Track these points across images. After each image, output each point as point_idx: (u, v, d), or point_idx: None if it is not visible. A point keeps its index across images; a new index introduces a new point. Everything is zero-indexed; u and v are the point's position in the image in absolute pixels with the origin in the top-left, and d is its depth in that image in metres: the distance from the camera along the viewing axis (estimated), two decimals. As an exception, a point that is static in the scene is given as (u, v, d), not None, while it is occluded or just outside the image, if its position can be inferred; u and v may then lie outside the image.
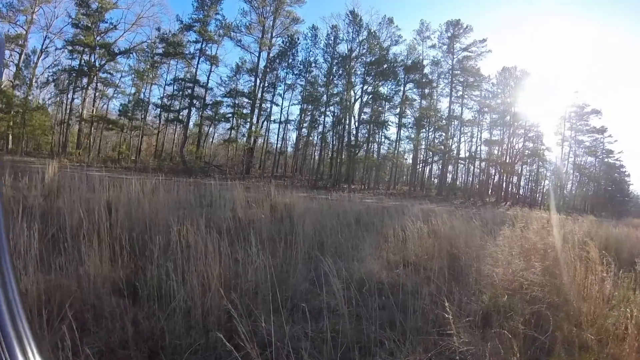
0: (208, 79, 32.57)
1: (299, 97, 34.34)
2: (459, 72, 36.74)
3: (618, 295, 3.86)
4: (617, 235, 10.13)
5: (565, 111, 40.49)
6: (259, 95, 33.09)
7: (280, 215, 7.58)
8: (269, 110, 34.86)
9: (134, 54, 32.11)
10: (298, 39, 34.58)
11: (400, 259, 5.36)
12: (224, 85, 33.31)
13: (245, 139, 32.81)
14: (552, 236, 5.93)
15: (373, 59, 34.53)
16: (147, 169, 23.91)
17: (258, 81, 33.29)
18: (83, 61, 30.49)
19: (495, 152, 39.38)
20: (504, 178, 39.63)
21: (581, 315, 3.60)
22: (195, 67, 32.30)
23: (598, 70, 61.79)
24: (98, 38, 30.51)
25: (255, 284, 3.68)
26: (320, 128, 34.75)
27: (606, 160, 44.30)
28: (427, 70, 36.53)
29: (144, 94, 32.39)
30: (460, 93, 37.40)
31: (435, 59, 36.72)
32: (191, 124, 33.85)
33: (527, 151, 39.52)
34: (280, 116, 35.02)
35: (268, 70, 33.47)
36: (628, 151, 51.23)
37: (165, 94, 32.57)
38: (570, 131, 41.27)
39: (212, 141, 35.42)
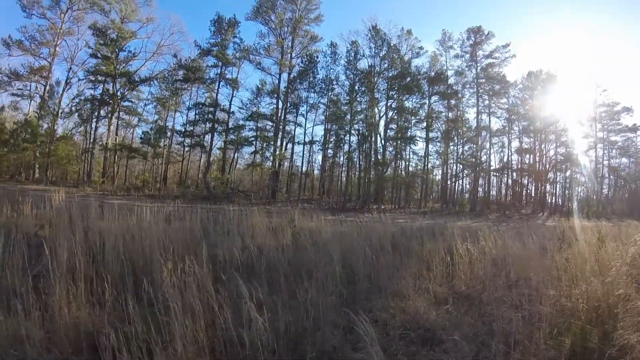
0: (230, 103, 32.28)
1: (322, 117, 33.71)
2: (483, 80, 35.51)
3: None
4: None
5: (595, 111, 38.75)
6: (282, 117, 32.49)
7: (303, 243, 6.48)
8: (292, 132, 34.39)
9: (155, 81, 32.05)
10: (317, 57, 34.03)
11: (448, 291, 4.54)
12: (245, 108, 33.14)
13: (269, 162, 32.15)
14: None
15: (395, 72, 33.64)
16: (170, 196, 23.53)
17: (280, 103, 32.80)
18: (104, 90, 30.52)
19: (528, 160, 37.83)
20: (539, 187, 37.93)
21: None
22: (216, 91, 32.05)
23: (626, 67, 59.38)
24: (119, 67, 30.48)
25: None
26: (346, 147, 33.74)
27: (641, 159, 42.14)
28: (451, 81, 35.47)
29: (166, 121, 32.27)
30: (487, 102, 36.09)
31: (459, 69, 35.68)
32: (216, 150, 33.62)
33: (560, 157, 37.81)
34: (304, 137, 34.35)
35: (289, 91, 32.91)
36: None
37: (188, 120, 32.39)
38: (602, 132, 39.41)
39: (236, 166, 34.92)
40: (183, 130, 32.29)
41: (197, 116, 32.28)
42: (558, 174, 39.08)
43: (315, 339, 3.14)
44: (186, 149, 32.80)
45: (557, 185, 39.91)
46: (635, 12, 60.36)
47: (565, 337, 3.17)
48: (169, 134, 32.44)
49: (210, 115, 31.77)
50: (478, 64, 35.51)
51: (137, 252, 4.62)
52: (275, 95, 32.71)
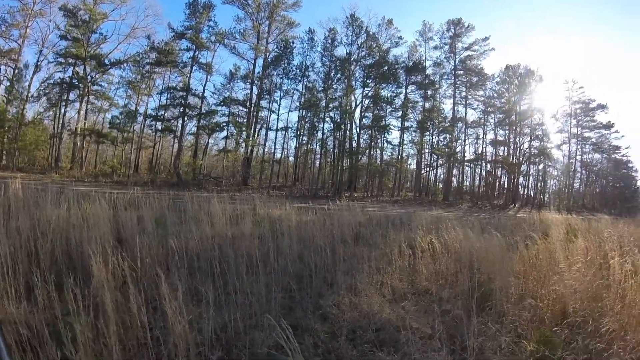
0: (204, 88, 31.60)
1: (297, 104, 33.25)
2: (461, 72, 35.59)
3: None
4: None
5: (571, 107, 39.35)
6: (255, 102, 32.09)
7: (263, 232, 6.09)
8: (266, 118, 33.82)
9: (128, 65, 31.28)
10: (293, 43, 33.54)
11: (408, 287, 4.32)
12: (218, 93, 32.34)
13: (242, 149, 31.77)
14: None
15: (373, 61, 33.44)
16: (140, 183, 23.08)
17: (254, 88, 32.32)
18: (74, 73, 29.72)
19: (502, 152, 38.18)
20: (512, 179, 38.45)
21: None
22: (189, 75, 31.35)
23: (604, 66, 60.12)
24: (90, 50, 29.68)
25: None
26: (320, 135, 33.45)
27: (613, 156, 43.11)
28: (429, 71, 35.38)
29: (137, 105, 31.56)
30: (464, 94, 36.19)
31: (438, 60, 35.63)
32: (189, 136, 32.97)
33: (533, 150, 38.27)
34: (277, 123, 33.93)
35: (264, 76, 32.42)
36: (635, 146, 49.98)
37: (160, 105, 31.72)
38: (576, 128, 40.06)
39: (209, 153, 33.99)
40: (152, 114, 31.37)
41: (168, 100, 31.40)
42: (531, 166, 39.71)
43: (249, 341, 2.90)
44: (157, 134, 32.02)
45: (530, 178, 40.61)
46: (615, 14, 60.93)
47: (528, 341, 2.98)
48: (140, 118, 31.54)
49: (181, 100, 30.96)
50: (457, 56, 35.56)
51: (74, 244, 4.36)
52: (250, 81, 32.13)
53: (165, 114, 31.49)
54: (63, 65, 29.78)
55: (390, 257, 5.03)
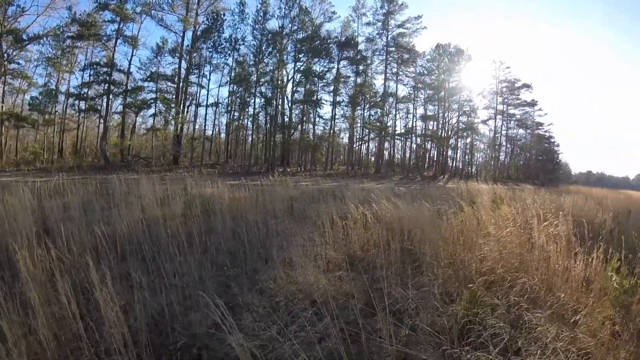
0: (130, 62, 30.02)
1: (228, 79, 32.36)
2: (393, 48, 36.34)
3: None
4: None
5: (497, 86, 41.83)
6: (184, 77, 31.42)
7: (195, 212, 5.96)
8: (196, 94, 32.67)
9: (48, 39, 29.36)
10: (224, 15, 32.56)
11: (343, 256, 4.27)
12: (144, 68, 30.70)
13: (171, 126, 30.50)
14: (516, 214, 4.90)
15: (305, 35, 33.41)
16: (65, 168, 21.79)
17: (183, 63, 31.51)
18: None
19: (431, 127, 39.93)
20: (441, 152, 40.67)
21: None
22: (113, 50, 30.05)
23: (531, 48, 63.38)
24: (6, 24, 27.60)
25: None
26: (251, 110, 33.00)
27: (536, 132, 46.67)
28: (361, 47, 35.69)
29: (58, 84, 29.67)
30: (395, 70, 37.02)
31: (371, 36, 36.16)
32: (116, 116, 31.21)
33: (461, 125, 40.53)
34: (208, 99, 32.92)
35: (193, 50, 31.56)
36: (558, 123, 54.51)
37: (83, 82, 30.06)
38: (502, 105, 42.81)
39: (136, 132, 32.25)
40: (75, 92, 29.05)
41: (91, 77, 29.12)
42: (459, 140, 42.29)
43: (187, 322, 2.85)
44: (81, 114, 29.84)
45: (458, 151, 43.44)
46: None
47: (457, 303, 3.06)
48: (62, 98, 29.14)
49: (106, 77, 28.79)
50: (389, 33, 36.11)
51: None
52: (178, 55, 30.80)
53: (89, 92, 29.39)
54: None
55: (323, 229, 5.02)
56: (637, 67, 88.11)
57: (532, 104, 43.84)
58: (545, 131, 47.76)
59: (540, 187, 25.63)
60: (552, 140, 50.44)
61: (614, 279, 2.91)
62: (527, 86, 42.51)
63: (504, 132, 44.57)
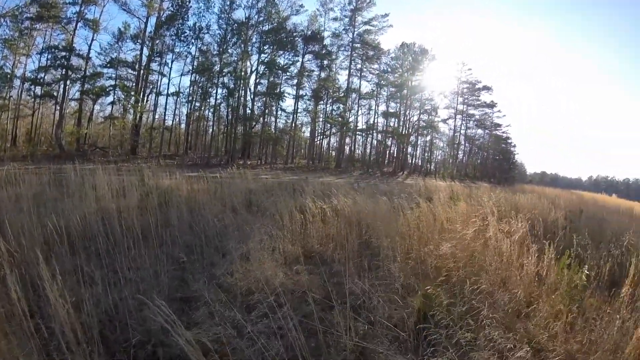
0: (90, 47, 28.88)
1: (190, 68, 31.63)
2: (359, 45, 36.57)
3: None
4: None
5: (459, 87, 43.25)
6: (145, 65, 30.96)
7: (151, 204, 5.78)
8: (157, 82, 31.66)
9: (5, 20, 28.08)
10: (189, 2, 31.89)
11: (300, 250, 4.21)
12: (104, 54, 29.41)
13: (130, 115, 29.55)
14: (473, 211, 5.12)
15: (270, 27, 33.16)
16: (18, 157, 20.97)
17: (145, 50, 30.96)
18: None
19: (392, 123, 40.52)
20: (401, 149, 41.90)
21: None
22: (72, 33, 29.11)
23: (492, 52, 65.31)
24: None
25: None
26: (213, 101, 32.42)
27: (494, 132, 48.71)
28: (327, 42, 35.61)
29: (14, 67, 28.43)
30: (360, 66, 37.24)
31: (337, 32, 36.28)
32: (73, 103, 29.76)
33: (422, 123, 41.79)
34: (169, 88, 31.99)
35: (156, 37, 30.88)
36: (515, 124, 56.91)
37: (39, 67, 28.91)
38: (462, 105, 44.32)
39: (94, 120, 30.88)
40: (30, 77, 27.29)
41: (49, 62, 27.57)
42: (419, 138, 43.56)
43: (141, 318, 2.75)
44: (37, 100, 28.17)
45: (418, 148, 44.74)
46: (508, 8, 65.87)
47: (414, 297, 3.08)
48: (17, 83, 27.29)
49: (64, 61, 27.45)
50: (355, 29, 36.25)
51: None
52: (140, 41, 30.03)
53: (46, 77, 27.91)
54: None
55: (281, 222, 5.01)
56: (603, 68, 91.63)
57: (492, 105, 45.58)
58: (503, 132, 49.91)
59: (497, 186, 26.46)
60: (510, 141, 52.83)
61: (565, 274, 3.07)
62: (487, 88, 44.07)
63: (463, 132, 46.18)
